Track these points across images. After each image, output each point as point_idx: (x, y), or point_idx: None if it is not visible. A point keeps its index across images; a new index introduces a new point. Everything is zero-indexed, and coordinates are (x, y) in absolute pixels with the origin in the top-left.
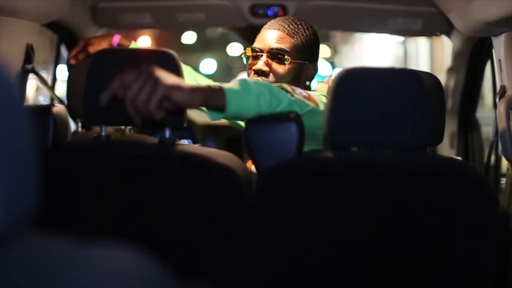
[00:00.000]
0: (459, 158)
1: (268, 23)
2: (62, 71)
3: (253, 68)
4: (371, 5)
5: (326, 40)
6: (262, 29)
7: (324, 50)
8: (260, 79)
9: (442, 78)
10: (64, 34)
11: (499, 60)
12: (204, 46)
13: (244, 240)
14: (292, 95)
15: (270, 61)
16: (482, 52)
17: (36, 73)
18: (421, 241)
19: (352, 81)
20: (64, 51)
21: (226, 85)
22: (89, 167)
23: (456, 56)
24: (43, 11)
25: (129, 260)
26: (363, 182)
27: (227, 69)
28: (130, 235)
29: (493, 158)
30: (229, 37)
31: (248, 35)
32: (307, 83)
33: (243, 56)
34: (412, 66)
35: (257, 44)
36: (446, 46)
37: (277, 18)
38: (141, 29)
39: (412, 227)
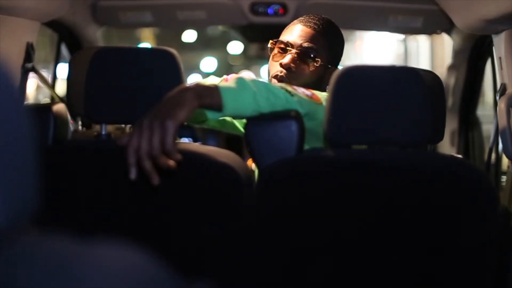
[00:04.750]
0: (459, 156)
1: (302, 19)
2: (62, 70)
3: (281, 61)
4: (372, 3)
5: None
6: (294, 23)
7: None
8: (284, 75)
9: (443, 76)
10: (64, 33)
11: (500, 58)
12: (205, 45)
13: (244, 238)
14: (292, 95)
15: (298, 58)
16: (482, 50)
17: (37, 72)
18: (421, 239)
19: (353, 79)
20: (64, 50)
21: (221, 84)
22: (89, 165)
23: (457, 54)
24: (43, 9)
25: (130, 258)
26: (364, 180)
27: (228, 67)
28: (131, 233)
29: (493, 156)
30: (229, 35)
31: (249, 33)
32: (327, 87)
33: (269, 45)
34: (413, 64)
35: (287, 37)
36: (446, 44)
37: (312, 16)
38: (142, 28)
39: (412, 225)
